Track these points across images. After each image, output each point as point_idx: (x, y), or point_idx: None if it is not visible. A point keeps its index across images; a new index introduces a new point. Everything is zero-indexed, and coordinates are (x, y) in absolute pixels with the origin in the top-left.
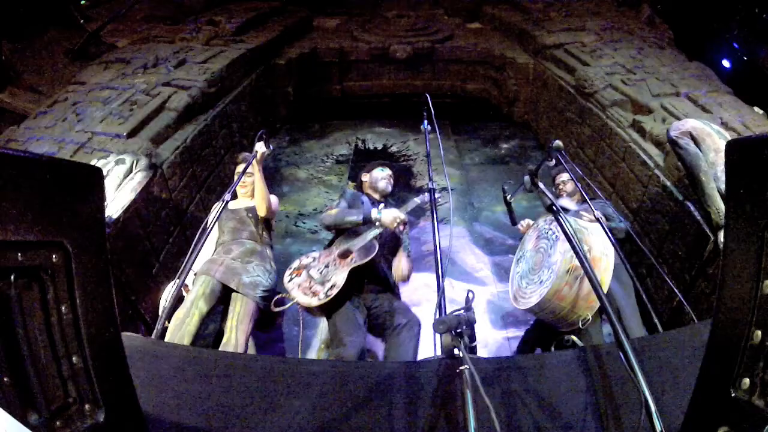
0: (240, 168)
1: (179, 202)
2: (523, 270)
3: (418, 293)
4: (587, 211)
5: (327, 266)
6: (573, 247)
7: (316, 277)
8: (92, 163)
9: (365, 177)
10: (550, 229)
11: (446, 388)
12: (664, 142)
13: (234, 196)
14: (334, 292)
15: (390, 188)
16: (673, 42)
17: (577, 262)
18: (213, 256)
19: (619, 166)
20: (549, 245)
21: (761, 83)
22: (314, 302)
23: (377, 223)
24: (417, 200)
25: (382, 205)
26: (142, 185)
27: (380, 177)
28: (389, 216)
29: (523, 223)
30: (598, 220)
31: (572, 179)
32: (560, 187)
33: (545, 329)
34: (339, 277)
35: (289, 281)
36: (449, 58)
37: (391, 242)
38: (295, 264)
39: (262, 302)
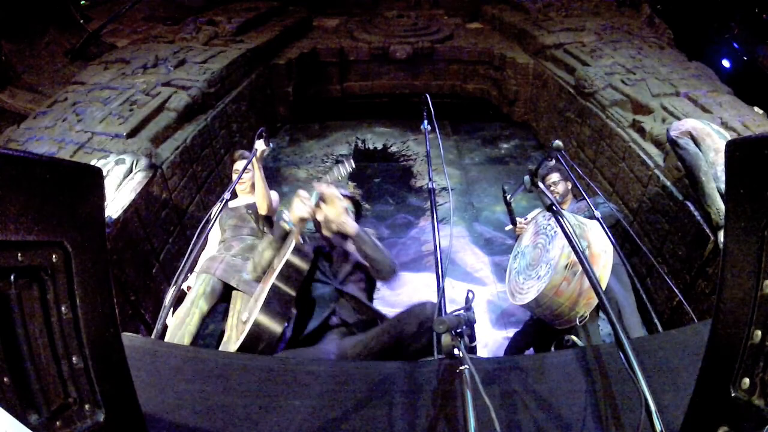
0: (237, 165)
1: (179, 202)
2: (521, 266)
3: (419, 293)
4: (584, 208)
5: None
6: (572, 246)
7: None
8: (92, 163)
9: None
10: (549, 224)
11: (446, 388)
12: (664, 142)
13: (234, 195)
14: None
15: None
16: (673, 42)
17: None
18: (214, 254)
19: (619, 166)
20: (547, 241)
21: (761, 83)
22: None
23: (282, 223)
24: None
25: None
26: (142, 185)
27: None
28: (295, 205)
29: (522, 220)
30: (596, 218)
31: (570, 178)
32: (551, 188)
33: (537, 332)
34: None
35: None
36: (449, 58)
37: (341, 261)
38: None
39: None
